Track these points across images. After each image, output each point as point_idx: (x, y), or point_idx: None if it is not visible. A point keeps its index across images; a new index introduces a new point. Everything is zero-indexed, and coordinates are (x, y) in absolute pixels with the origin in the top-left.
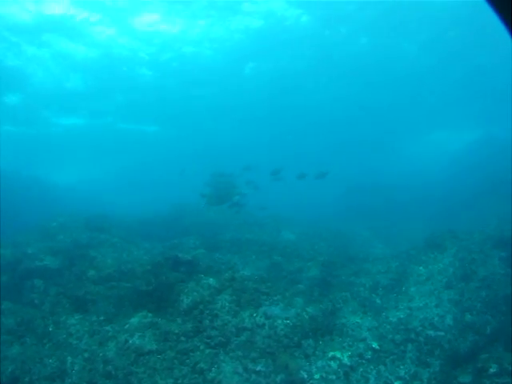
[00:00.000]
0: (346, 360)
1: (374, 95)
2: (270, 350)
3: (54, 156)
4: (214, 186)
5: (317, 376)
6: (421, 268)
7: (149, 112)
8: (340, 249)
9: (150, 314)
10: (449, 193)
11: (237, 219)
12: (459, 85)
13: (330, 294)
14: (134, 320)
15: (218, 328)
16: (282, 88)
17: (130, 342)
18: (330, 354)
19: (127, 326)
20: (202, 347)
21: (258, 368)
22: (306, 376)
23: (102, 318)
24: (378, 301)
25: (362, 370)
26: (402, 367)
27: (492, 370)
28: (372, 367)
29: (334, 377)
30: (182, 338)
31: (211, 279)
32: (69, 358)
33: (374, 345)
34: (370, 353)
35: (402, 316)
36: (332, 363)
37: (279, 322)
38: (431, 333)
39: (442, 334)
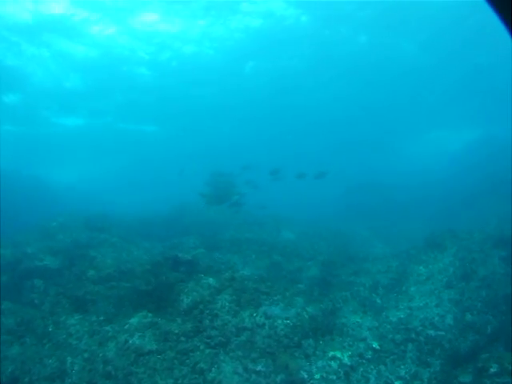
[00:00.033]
0: (346, 360)
1: (373, 95)
2: (270, 350)
3: (54, 155)
4: (213, 185)
5: (317, 376)
6: (421, 267)
7: (148, 112)
8: (340, 248)
9: (149, 314)
10: (448, 192)
11: (236, 219)
12: (459, 84)
13: (330, 294)
14: (134, 320)
15: (217, 328)
16: (282, 87)
17: (130, 342)
18: (331, 353)
19: (127, 326)
20: (202, 347)
21: (258, 368)
22: (306, 376)
23: (101, 318)
24: (379, 300)
25: (362, 369)
26: (402, 367)
27: (492, 370)
28: (372, 367)
29: (334, 377)
30: (182, 338)
31: (211, 279)
32: (68, 358)
33: (375, 344)
34: (370, 352)
35: (402, 316)
36: (332, 363)
37: (279, 321)
38: (431, 332)
39: (443, 333)
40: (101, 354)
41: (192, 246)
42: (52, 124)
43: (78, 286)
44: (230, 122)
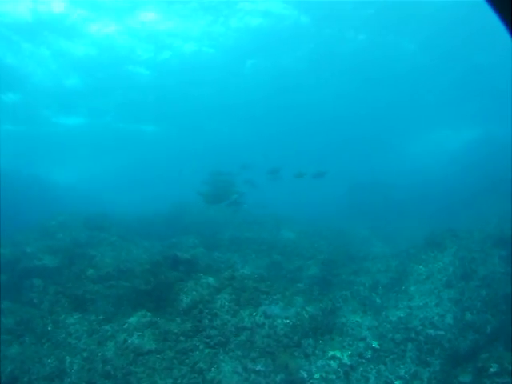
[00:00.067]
0: (345, 359)
1: (373, 94)
2: (269, 350)
3: (54, 155)
4: (212, 184)
5: (317, 375)
6: (421, 267)
7: (147, 111)
8: (340, 247)
9: (149, 314)
10: (448, 191)
11: (236, 218)
12: (458, 83)
13: (330, 293)
14: (133, 319)
15: (217, 327)
16: (281, 86)
17: (129, 341)
18: (330, 353)
19: (126, 325)
20: (201, 347)
21: (258, 368)
22: (305, 375)
23: (100, 317)
24: (378, 300)
25: (362, 369)
26: (402, 366)
27: (492, 370)
28: (372, 366)
29: (333, 376)
30: (182, 338)
31: (210, 278)
32: (68, 357)
33: (374, 344)
34: (370, 352)
35: (402, 315)
36: (332, 363)
37: (279, 321)
38: (431, 332)
39: (442, 333)
40: (100, 354)
41: (191, 245)
42: (52, 123)
43: (77, 285)
44: (230, 121)
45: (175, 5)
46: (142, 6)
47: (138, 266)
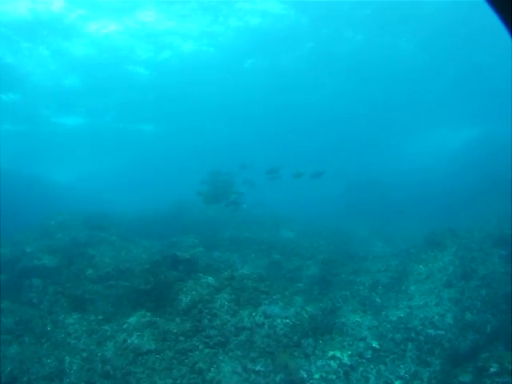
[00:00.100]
0: (345, 359)
1: (372, 93)
2: (269, 350)
3: (54, 154)
4: (211, 184)
5: (316, 376)
6: (421, 266)
7: (147, 111)
8: (339, 247)
9: (148, 314)
10: (448, 191)
11: (236, 217)
12: (458, 83)
13: (330, 293)
14: (133, 319)
15: (216, 327)
16: (279, 86)
17: (129, 341)
18: (330, 353)
19: (125, 325)
20: (200, 347)
21: (258, 368)
22: (305, 376)
23: (100, 317)
24: (378, 299)
25: (362, 369)
26: (402, 366)
27: (492, 370)
28: (372, 366)
29: (333, 376)
30: (181, 338)
31: (210, 278)
32: (67, 357)
33: (374, 344)
34: (370, 352)
35: (402, 315)
36: (332, 363)
37: (279, 321)
38: (431, 332)
39: (443, 332)
40: (99, 354)
41: (191, 245)
42: (51, 123)
43: (77, 285)
44: (229, 121)
45: (174, 4)
46: (142, 6)
47: (137, 265)
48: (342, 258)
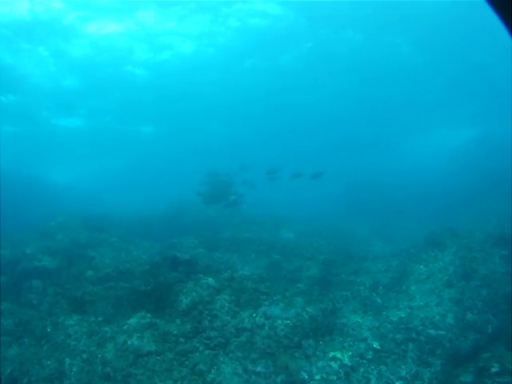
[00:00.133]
0: (346, 360)
1: (372, 93)
2: (269, 351)
3: (53, 155)
4: (210, 184)
5: (317, 377)
6: (421, 266)
7: (146, 111)
8: (340, 247)
9: (148, 315)
10: (448, 191)
11: (235, 218)
12: (457, 82)
13: (330, 293)
14: (133, 321)
15: (217, 329)
16: (279, 86)
17: (129, 343)
18: (331, 354)
19: (126, 326)
20: (201, 348)
21: (258, 369)
22: (306, 377)
23: (100, 318)
24: (379, 300)
25: (362, 370)
26: (403, 367)
27: (494, 370)
28: (373, 367)
29: (334, 377)
30: (181, 339)
31: (210, 279)
32: (67, 359)
33: (375, 344)
34: (370, 353)
35: (402, 315)
36: (333, 363)
37: (279, 322)
38: (432, 332)
39: (443, 333)
40: (99, 355)
41: (191, 246)
42: (51, 124)
43: (77, 287)
44: (228, 121)
45: (174, 5)
46: (141, 6)
47: (137, 266)
48: (342, 259)
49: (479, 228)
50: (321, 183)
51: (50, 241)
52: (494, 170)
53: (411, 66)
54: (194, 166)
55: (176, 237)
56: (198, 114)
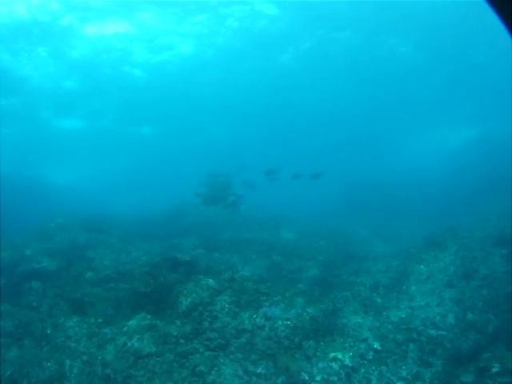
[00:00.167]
0: (347, 361)
1: (372, 93)
2: (270, 352)
3: (53, 157)
4: (209, 185)
5: (318, 378)
6: (421, 267)
7: (146, 112)
8: (340, 247)
9: (148, 316)
10: (448, 190)
11: (235, 218)
12: (457, 82)
13: (331, 294)
14: (133, 322)
15: (217, 330)
16: (278, 86)
17: (129, 344)
18: (332, 354)
19: (126, 328)
20: (201, 350)
21: (259, 370)
22: (307, 378)
23: (100, 320)
24: (379, 300)
25: (363, 370)
26: (404, 367)
27: (494, 370)
28: (374, 368)
29: (335, 378)
30: (181, 341)
31: (210, 280)
32: (67, 361)
33: (376, 345)
34: (371, 353)
35: (403, 315)
36: (333, 364)
37: (279, 323)
38: (433, 332)
39: (444, 333)
40: (99, 357)
41: (191, 247)
42: (51, 126)
43: (76, 288)
44: (227, 122)
45: (172, 6)
46: (140, 7)
47: (137, 268)
48: (342, 259)
49: (479, 227)
50: (321, 183)
51: (49, 242)
52: (493, 169)
53: (411, 65)
54: (194, 166)
55: (176, 238)
56: (198, 114)
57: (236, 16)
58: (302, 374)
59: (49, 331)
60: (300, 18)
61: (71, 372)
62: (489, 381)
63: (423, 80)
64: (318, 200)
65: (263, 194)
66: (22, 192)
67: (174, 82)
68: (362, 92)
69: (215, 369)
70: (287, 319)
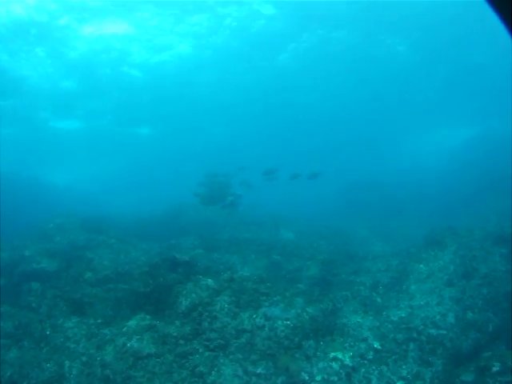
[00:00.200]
0: (347, 361)
1: (371, 93)
2: (270, 352)
3: (52, 157)
4: (208, 186)
5: (318, 377)
6: (421, 266)
7: (144, 113)
8: (339, 247)
9: (147, 317)
10: (448, 189)
11: (235, 218)
12: (457, 81)
13: (331, 294)
14: (132, 323)
15: (217, 330)
16: (277, 87)
17: (128, 345)
18: (332, 354)
19: (125, 328)
20: (201, 350)
21: (259, 370)
22: (307, 378)
23: (99, 320)
24: (379, 300)
25: (363, 370)
26: (404, 367)
27: (495, 369)
28: (374, 367)
29: (335, 378)
30: (181, 341)
31: (210, 280)
32: (67, 361)
33: (376, 345)
34: (371, 353)
35: (403, 315)
36: (333, 364)
37: (279, 323)
38: (433, 331)
39: (444, 332)
40: (99, 358)
41: (190, 247)
42: (49, 126)
43: (76, 289)
44: (225, 122)
45: (170, 6)
46: (137, 8)
47: (136, 268)
48: (342, 258)
49: (479, 227)
50: (321, 183)
51: (48, 243)
52: (493, 168)
53: (411, 65)
54: (193, 166)
55: (175, 238)
56: (196, 114)
57: (234, 16)
58: (302, 373)
59: (48, 332)
60: (297, 18)
61: (70, 373)
62: (489, 380)
63: (423, 80)
64: (318, 200)
65: (262, 194)
66: (21, 192)
67: (173, 82)
68: (361, 92)
69: (215, 369)
70: (287, 319)
